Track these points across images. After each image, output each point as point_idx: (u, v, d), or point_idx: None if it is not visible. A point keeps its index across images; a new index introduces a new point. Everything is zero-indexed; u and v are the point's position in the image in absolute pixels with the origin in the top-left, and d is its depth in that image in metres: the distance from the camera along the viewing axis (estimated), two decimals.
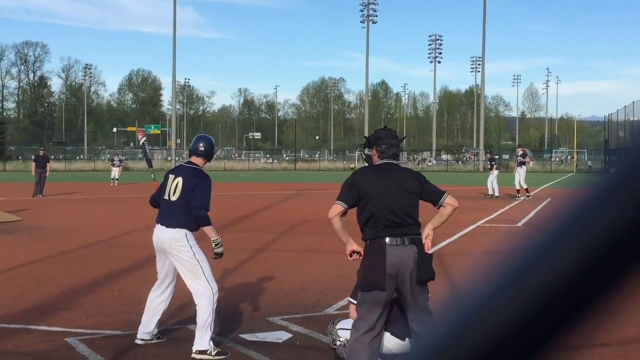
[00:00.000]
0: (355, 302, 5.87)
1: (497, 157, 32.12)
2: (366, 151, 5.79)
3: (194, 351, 6.44)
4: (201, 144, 7.00)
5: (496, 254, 0.57)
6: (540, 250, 0.54)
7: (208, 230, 6.62)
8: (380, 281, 5.14)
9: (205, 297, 6.52)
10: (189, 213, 6.62)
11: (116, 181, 38.77)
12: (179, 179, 6.75)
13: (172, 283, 6.89)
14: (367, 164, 5.81)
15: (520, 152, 29.63)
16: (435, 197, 5.48)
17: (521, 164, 28.05)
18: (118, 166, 39.83)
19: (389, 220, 5.23)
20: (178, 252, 6.58)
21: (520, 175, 27.74)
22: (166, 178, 6.91)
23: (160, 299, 6.87)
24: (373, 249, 5.22)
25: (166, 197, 6.76)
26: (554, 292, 0.52)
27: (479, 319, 0.55)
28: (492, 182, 28.54)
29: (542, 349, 0.53)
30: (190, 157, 7.08)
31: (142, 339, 6.86)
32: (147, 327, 6.85)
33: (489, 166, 29.48)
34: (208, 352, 6.43)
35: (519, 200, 26.67)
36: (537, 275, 0.53)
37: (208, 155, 7.05)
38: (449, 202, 5.46)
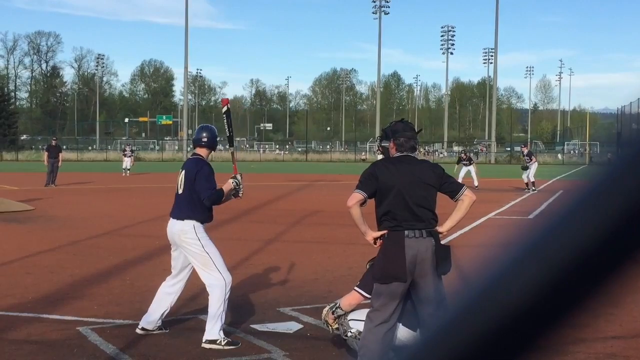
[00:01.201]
0: (361, 291, 5.88)
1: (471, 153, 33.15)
2: (383, 143, 5.79)
3: (204, 341, 6.47)
4: (204, 134, 6.99)
5: (499, 245, 0.57)
6: (545, 241, 0.54)
7: (225, 195, 6.74)
8: (401, 273, 5.14)
9: (217, 287, 6.54)
10: (196, 204, 6.67)
11: (128, 171, 38.81)
12: (183, 172, 6.82)
13: (185, 278, 6.91)
14: (383, 156, 5.80)
15: (526, 152, 29.82)
16: (453, 189, 5.47)
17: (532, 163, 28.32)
18: (129, 156, 39.81)
19: (407, 213, 5.23)
20: (187, 244, 6.61)
21: (531, 171, 27.97)
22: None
23: (170, 290, 6.89)
24: (391, 241, 5.22)
25: (176, 190, 6.83)
26: (559, 284, 0.52)
27: (480, 310, 0.55)
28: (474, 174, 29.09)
29: (547, 341, 0.54)
30: (194, 148, 7.08)
31: (142, 329, 6.86)
32: (151, 316, 6.85)
33: (467, 162, 29.60)
34: (218, 341, 6.44)
35: (529, 193, 26.83)
36: (541, 266, 0.53)
37: (211, 145, 7.03)
38: (467, 194, 5.46)
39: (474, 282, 0.56)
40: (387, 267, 5.20)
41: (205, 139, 6.96)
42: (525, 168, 28.43)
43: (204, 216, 6.72)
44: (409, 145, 5.50)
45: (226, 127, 7.27)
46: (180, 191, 6.75)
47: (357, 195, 5.25)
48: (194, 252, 6.61)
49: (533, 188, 27.82)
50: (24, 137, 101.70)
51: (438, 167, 5.66)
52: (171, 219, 6.77)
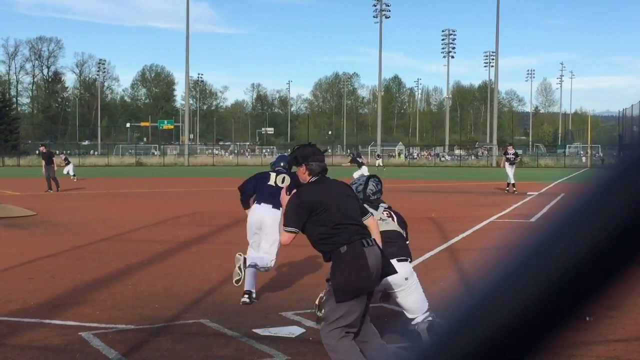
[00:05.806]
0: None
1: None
2: (293, 169, 5.85)
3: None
4: (282, 164, 8.84)
5: (501, 249, 0.57)
6: (548, 245, 0.53)
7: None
8: (368, 282, 5.09)
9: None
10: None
11: (74, 177, 37.90)
12: (283, 176, 8.66)
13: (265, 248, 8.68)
14: (315, 177, 5.60)
15: (512, 151, 30.20)
16: (361, 210, 5.60)
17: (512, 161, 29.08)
18: (68, 163, 39.05)
19: (351, 224, 5.24)
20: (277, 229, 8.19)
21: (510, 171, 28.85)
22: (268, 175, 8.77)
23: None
24: (350, 254, 5.12)
25: (275, 184, 8.56)
26: (561, 287, 0.52)
27: (482, 314, 0.55)
28: None
29: (549, 344, 0.53)
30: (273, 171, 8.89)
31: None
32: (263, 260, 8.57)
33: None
34: (238, 265, 8.16)
35: (532, 196, 26.91)
36: (543, 270, 0.53)
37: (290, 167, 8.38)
38: (369, 222, 5.52)
39: (477, 286, 0.56)
40: (352, 282, 5.06)
41: (281, 167, 8.85)
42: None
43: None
44: (321, 169, 5.53)
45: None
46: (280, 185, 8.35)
47: (290, 235, 5.40)
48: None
49: (513, 189, 28.53)
50: (26, 142, 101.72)
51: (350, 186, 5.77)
52: (264, 204, 8.53)
